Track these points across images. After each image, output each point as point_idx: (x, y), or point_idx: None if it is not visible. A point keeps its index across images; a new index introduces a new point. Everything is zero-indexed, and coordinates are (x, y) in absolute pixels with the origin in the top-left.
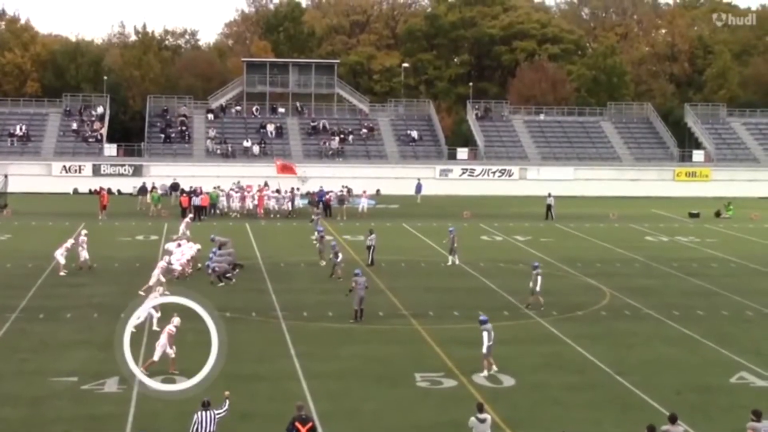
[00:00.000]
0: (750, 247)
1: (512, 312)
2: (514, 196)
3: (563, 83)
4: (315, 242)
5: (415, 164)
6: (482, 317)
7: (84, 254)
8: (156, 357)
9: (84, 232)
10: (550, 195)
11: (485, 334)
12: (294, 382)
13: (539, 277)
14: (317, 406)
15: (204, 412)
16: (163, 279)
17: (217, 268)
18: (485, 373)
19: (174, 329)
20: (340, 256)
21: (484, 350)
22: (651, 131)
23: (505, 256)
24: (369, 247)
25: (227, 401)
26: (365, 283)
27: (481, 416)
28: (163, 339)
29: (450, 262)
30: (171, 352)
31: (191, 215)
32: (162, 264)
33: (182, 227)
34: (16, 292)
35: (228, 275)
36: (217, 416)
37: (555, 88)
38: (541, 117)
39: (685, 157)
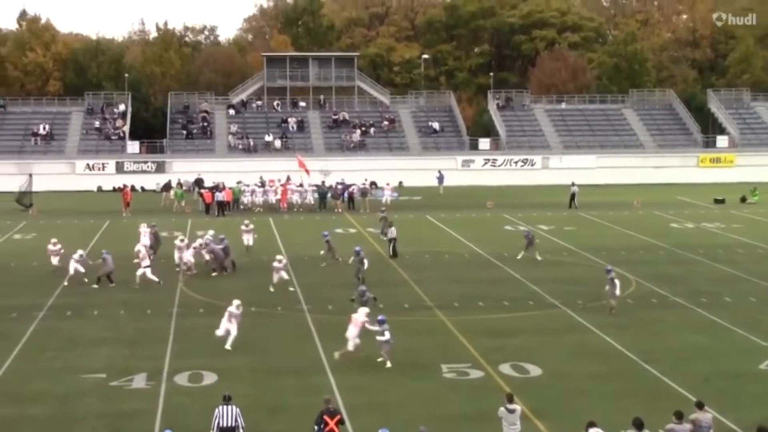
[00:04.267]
0: None
1: (537, 302)
2: (537, 186)
3: (584, 71)
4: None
5: (437, 155)
6: (380, 317)
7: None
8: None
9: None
10: (573, 184)
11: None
12: (321, 376)
13: (617, 281)
14: (344, 398)
15: (225, 407)
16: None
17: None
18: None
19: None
20: (366, 262)
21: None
22: (674, 118)
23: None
24: (390, 240)
25: None
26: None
27: (511, 407)
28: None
29: (520, 257)
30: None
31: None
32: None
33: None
34: (44, 291)
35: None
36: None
37: (576, 76)
38: (563, 105)
39: (709, 143)
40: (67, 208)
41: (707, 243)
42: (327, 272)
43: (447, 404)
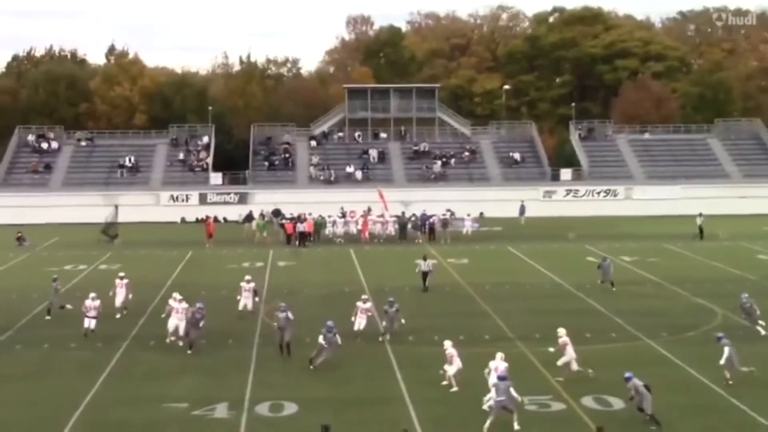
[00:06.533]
0: None
1: (620, 333)
2: (620, 216)
3: (668, 101)
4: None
5: (519, 186)
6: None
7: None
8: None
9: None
10: (701, 214)
11: (726, 349)
12: (400, 407)
13: (726, 348)
14: (424, 431)
15: None
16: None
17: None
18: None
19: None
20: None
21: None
22: (761, 147)
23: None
24: (425, 273)
25: None
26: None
27: None
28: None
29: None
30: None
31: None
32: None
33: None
34: (127, 321)
35: None
36: None
37: (659, 106)
38: (646, 136)
39: None
40: (152, 239)
41: None
42: (408, 303)
43: None
